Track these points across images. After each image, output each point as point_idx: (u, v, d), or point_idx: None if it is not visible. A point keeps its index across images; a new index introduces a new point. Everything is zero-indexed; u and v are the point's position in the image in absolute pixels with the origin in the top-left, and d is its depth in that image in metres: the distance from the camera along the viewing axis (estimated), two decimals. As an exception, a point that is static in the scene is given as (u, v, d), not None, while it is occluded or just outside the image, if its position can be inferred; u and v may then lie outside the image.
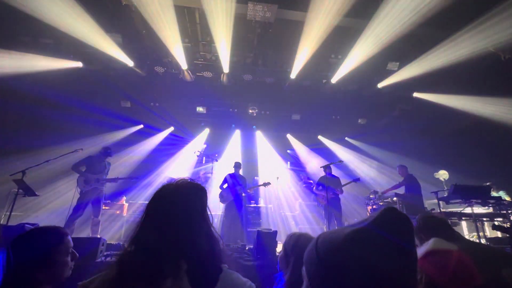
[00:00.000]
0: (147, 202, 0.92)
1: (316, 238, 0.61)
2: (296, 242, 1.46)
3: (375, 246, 0.50)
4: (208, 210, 0.95)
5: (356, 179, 5.88)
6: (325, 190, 5.23)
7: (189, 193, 0.93)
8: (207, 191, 0.99)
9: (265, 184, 6.11)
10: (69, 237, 1.34)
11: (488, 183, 4.75)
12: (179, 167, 8.58)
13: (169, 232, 0.83)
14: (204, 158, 8.38)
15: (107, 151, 5.15)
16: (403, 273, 0.49)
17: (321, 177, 6.03)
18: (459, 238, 1.56)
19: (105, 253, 3.37)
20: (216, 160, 7.14)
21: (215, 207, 6.19)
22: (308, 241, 1.26)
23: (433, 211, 4.78)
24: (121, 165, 7.72)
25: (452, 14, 4.80)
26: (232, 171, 6.14)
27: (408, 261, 0.50)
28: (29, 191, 4.07)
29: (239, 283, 0.86)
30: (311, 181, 7.94)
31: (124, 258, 0.82)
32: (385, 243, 0.50)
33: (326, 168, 5.57)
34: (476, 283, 0.66)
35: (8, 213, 3.98)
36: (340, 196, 5.82)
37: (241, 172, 6.15)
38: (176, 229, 0.83)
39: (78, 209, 4.58)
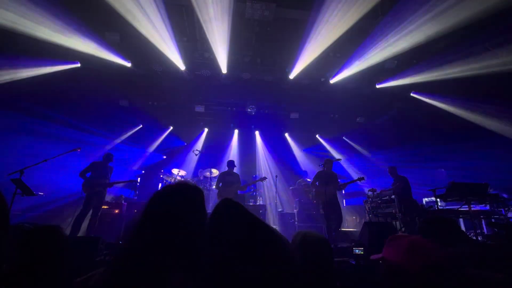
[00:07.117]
0: (145, 201, 0.93)
1: None
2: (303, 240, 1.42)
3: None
4: (203, 210, 0.97)
5: (360, 178, 5.61)
6: (324, 185, 5.21)
7: (185, 194, 0.95)
8: (207, 191, 1.01)
9: (262, 179, 6.13)
10: None
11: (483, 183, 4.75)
12: (178, 166, 8.56)
13: (166, 231, 0.84)
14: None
15: (110, 157, 5.53)
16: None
17: (319, 172, 5.77)
18: (468, 239, 1.45)
19: (104, 252, 3.37)
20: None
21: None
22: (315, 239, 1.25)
23: (430, 209, 4.80)
24: (120, 165, 7.69)
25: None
26: (226, 169, 6.16)
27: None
28: (26, 191, 4.05)
29: None
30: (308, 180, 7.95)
31: (120, 257, 0.83)
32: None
33: (326, 163, 5.58)
34: (431, 260, 0.70)
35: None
36: (338, 193, 5.60)
37: (235, 170, 6.15)
38: (172, 229, 0.85)
39: (85, 211, 4.90)
